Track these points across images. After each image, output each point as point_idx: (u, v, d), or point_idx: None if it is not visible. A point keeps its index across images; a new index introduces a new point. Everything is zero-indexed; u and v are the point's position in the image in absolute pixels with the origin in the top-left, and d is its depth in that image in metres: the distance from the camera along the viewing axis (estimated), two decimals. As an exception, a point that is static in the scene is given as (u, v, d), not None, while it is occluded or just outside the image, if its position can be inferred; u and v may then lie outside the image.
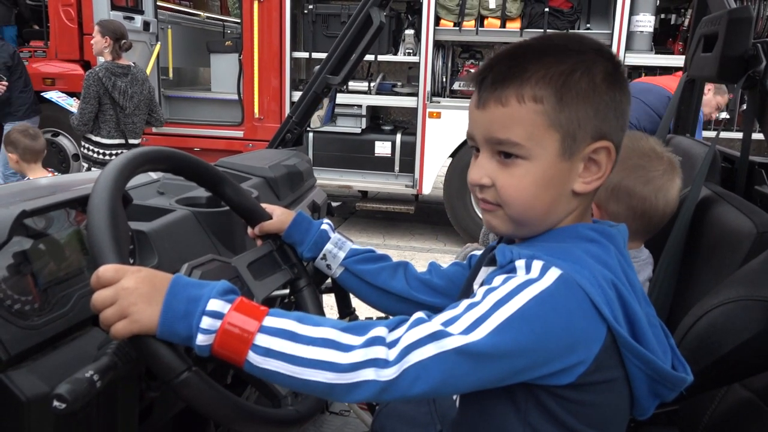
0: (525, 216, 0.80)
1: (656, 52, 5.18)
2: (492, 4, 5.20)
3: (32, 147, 3.41)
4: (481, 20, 5.31)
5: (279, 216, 1.09)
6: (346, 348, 0.70)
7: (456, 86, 5.58)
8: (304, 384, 0.70)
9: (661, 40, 5.38)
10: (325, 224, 1.11)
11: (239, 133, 5.94)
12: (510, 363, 0.70)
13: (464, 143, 5.15)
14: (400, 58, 5.60)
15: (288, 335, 0.71)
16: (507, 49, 0.82)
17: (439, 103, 5.46)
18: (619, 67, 0.81)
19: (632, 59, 5.08)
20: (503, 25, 5.27)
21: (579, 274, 0.73)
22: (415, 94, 5.47)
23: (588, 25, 5.35)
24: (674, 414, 1.04)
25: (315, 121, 2.20)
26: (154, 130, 5.22)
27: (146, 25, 5.94)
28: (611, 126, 0.79)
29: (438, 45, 5.45)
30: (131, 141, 4.14)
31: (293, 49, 5.72)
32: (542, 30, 5.10)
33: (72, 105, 4.75)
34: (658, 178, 1.29)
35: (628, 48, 5.06)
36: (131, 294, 0.70)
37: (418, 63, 5.40)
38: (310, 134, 5.51)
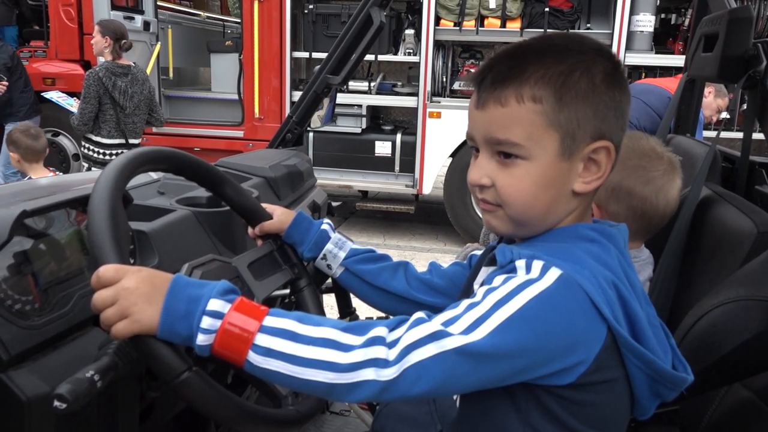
0: (525, 216, 0.80)
1: (656, 52, 5.18)
2: (492, 4, 5.20)
3: (33, 147, 3.43)
4: (481, 20, 5.30)
5: (279, 216, 1.09)
6: (347, 348, 0.70)
7: (456, 86, 5.58)
8: (304, 384, 0.71)
9: (661, 40, 5.38)
10: (326, 224, 1.11)
11: (239, 133, 5.94)
12: (510, 363, 0.70)
13: (464, 143, 5.15)
14: (401, 57, 5.60)
15: (288, 335, 0.71)
16: (506, 49, 0.82)
17: (439, 103, 5.46)
18: (618, 66, 0.81)
19: (632, 59, 5.08)
20: (503, 25, 5.27)
21: (579, 274, 0.73)
22: (416, 94, 5.47)
23: (588, 25, 5.35)
24: (675, 414, 1.03)
25: (315, 121, 2.20)
26: (154, 130, 5.22)
27: (146, 25, 5.94)
28: (611, 126, 0.79)
29: (438, 45, 5.45)
30: (131, 141, 4.14)
31: (293, 48, 5.72)
32: (542, 30, 5.09)
33: (72, 105, 4.75)
34: (659, 178, 1.29)
35: (629, 48, 5.06)
36: (132, 294, 0.70)
37: (419, 63, 5.40)
38: (311, 134, 5.52)
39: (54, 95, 5.05)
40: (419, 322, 0.72)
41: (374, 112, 6.06)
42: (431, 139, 5.40)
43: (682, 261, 1.32)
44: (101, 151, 4.06)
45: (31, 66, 5.93)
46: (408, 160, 5.56)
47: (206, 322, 0.70)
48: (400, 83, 5.86)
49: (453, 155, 5.45)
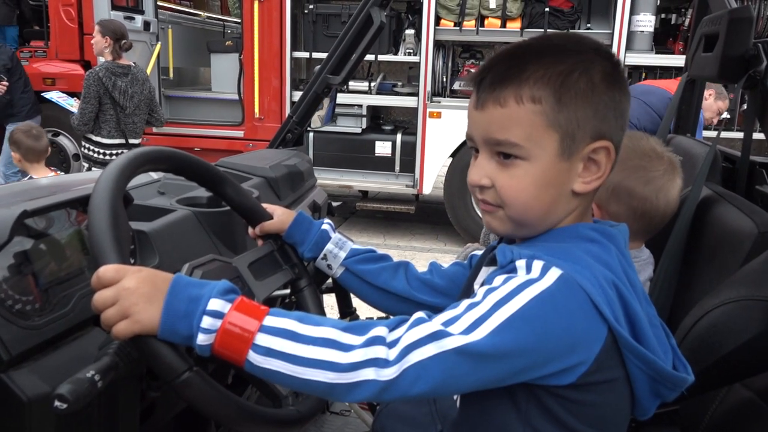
0: (525, 216, 0.80)
1: (657, 52, 5.18)
2: (492, 4, 5.20)
3: (35, 147, 3.45)
4: (481, 20, 5.31)
5: (280, 216, 1.09)
6: (347, 348, 0.70)
7: (456, 86, 5.58)
8: (304, 384, 0.71)
9: (661, 40, 5.38)
10: (326, 224, 1.11)
11: (240, 133, 5.94)
12: (510, 363, 0.70)
13: (465, 143, 5.15)
14: (401, 57, 5.60)
15: (288, 335, 0.71)
16: (505, 49, 0.82)
17: (439, 102, 5.46)
18: (618, 66, 0.81)
19: (633, 59, 5.08)
20: (504, 25, 5.27)
21: (580, 275, 0.73)
22: (416, 94, 5.47)
23: (588, 25, 5.35)
24: (675, 414, 1.03)
25: (315, 121, 2.21)
26: (154, 130, 5.22)
27: (146, 25, 5.94)
28: (610, 126, 0.79)
29: (438, 45, 5.45)
30: (131, 141, 4.14)
31: (294, 48, 5.72)
32: (543, 30, 5.09)
33: (72, 105, 4.75)
34: (659, 178, 1.29)
35: (629, 48, 5.06)
36: (132, 294, 0.70)
37: (419, 63, 5.40)
38: (311, 134, 5.52)
39: (54, 95, 5.05)
40: (419, 322, 0.72)
41: (374, 112, 6.06)
42: (431, 139, 5.40)
43: (683, 261, 1.32)
44: (101, 151, 4.06)
45: (31, 66, 5.94)
46: (408, 160, 5.56)
47: (206, 321, 0.70)
48: (400, 83, 5.86)
49: (453, 155, 5.45)
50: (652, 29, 5.09)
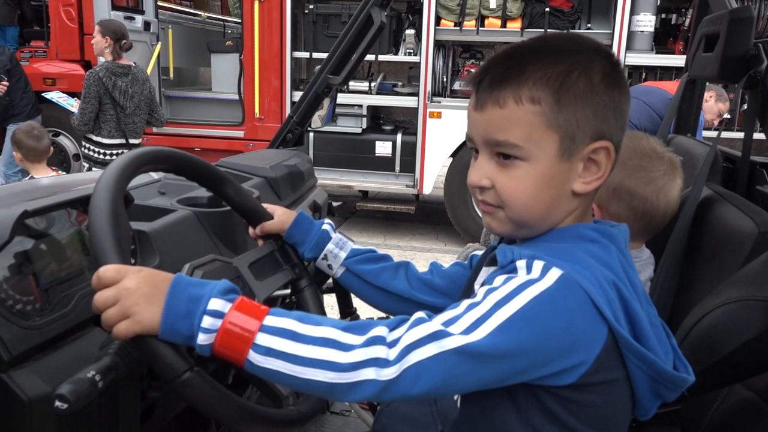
0: (525, 217, 0.80)
1: (657, 52, 5.17)
2: (493, 4, 5.20)
3: (36, 148, 3.47)
4: (481, 20, 5.30)
5: (280, 216, 1.09)
6: (347, 347, 0.70)
7: (457, 86, 5.58)
8: (304, 383, 0.71)
9: (661, 40, 5.37)
10: (326, 224, 1.11)
11: (240, 133, 5.94)
12: (510, 363, 0.70)
13: (465, 143, 5.15)
14: (401, 58, 5.60)
15: (289, 334, 0.71)
16: (504, 50, 0.82)
17: (439, 103, 5.46)
18: (617, 66, 0.81)
19: (633, 59, 5.08)
20: (504, 25, 5.27)
21: (580, 275, 0.73)
22: (416, 94, 5.47)
23: (589, 25, 5.35)
24: (676, 414, 1.03)
25: (316, 121, 2.21)
26: (154, 130, 5.22)
27: (147, 25, 5.94)
28: (610, 126, 0.79)
29: (439, 45, 5.45)
30: (132, 141, 4.14)
31: (294, 49, 5.72)
32: (543, 30, 5.09)
33: (73, 105, 4.75)
34: (659, 178, 1.29)
35: (629, 48, 5.05)
36: (133, 294, 0.70)
37: (419, 63, 5.40)
38: (311, 134, 5.52)
39: (55, 95, 5.06)
40: (419, 321, 0.72)
41: (375, 112, 6.06)
42: (432, 139, 5.40)
43: (683, 261, 1.32)
44: (102, 151, 4.07)
45: (31, 66, 5.94)
46: (408, 160, 5.56)
47: (207, 321, 0.70)
48: (400, 83, 5.86)
49: (453, 155, 5.45)
50: (652, 29, 5.08)
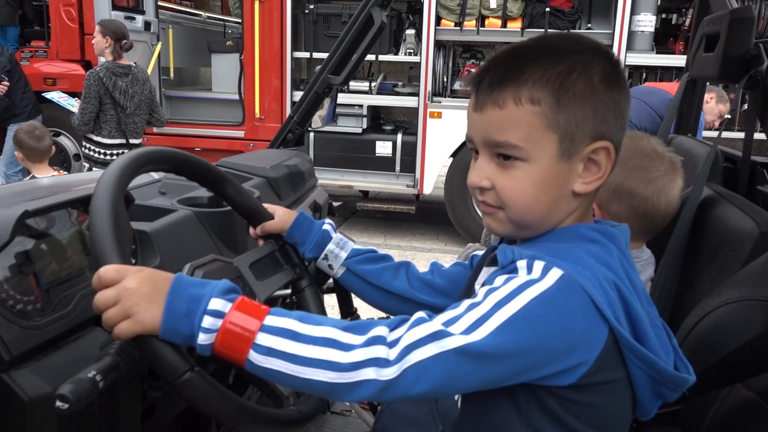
0: (525, 218, 0.80)
1: (657, 52, 5.17)
2: (493, 4, 5.20)
3: (37, 148, 3.48)
4: (482, 20, 5.30)
5: (281, 216, 1.09)
6: (347, 347, 0.70)
7: (457, 86, 5.58)
8: (305, 383, 0.71)
9: (662, 40, 5.37)
10: (327, 224, 1.11)
11: (240, 133, 5.94)
12: (511, 363, 0.70)
13: (465, 143, 5.15)
14: (401, 58, 5.60)
15: (289, 334, 0.71)
16: (504, 50, 0.82)
17: (440, 103, 5.46)
18: (617, 66, 0.80)
19: (633, 59, 5.08)
20: (504, 25, 5.26)
21: (580, 275, 0.73)
22: (416, 94, 5.47)
23: (589, 25, 5.35)
24: (676, 414, 1.03)
25: (316, 121, 2.21)
26: (155, 130, 5.22)
27: (147, 25, 5.94)
28: (610, 126, 0.79)
29: (439, 45, 5.45)
30: (132, 141, 4.14)
31: (294, 49, 5.72)
32: (543, 30, 5.09)
33: (73, 105, 4.75)
34: (660, 178, 1.29)
35: (629, 48, 5.05)
36: (133, 294, 0.70)
37: (419, 63, 5.40)
38: (311, 134, 5.52)
39: (55, 95, 5.06)
40: (420, 321, 0.72)
41: (375, 112, 6.06)
42: (432, 139, 5.40)
43: (684, 261, 1.32)
44: (102, 151, 4.07)
45: (32, 66, 5.94)
46: (409, 160, 5.56)
47: (207, 321, 0.70)
48: (400, 83, 5.87)
49: (454, 155, 5.45)
50: (652, 29, 5.08)
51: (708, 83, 2.78)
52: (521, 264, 0.75)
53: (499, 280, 0.75)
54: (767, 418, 0.97)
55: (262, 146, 2.72)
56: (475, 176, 0.81)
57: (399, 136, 5.64)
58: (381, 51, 5.42)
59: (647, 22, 5.04)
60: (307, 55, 5.80)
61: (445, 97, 5.57)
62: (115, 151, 4.06)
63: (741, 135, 1.62)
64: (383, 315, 1.25)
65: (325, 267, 1.10)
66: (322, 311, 1.10)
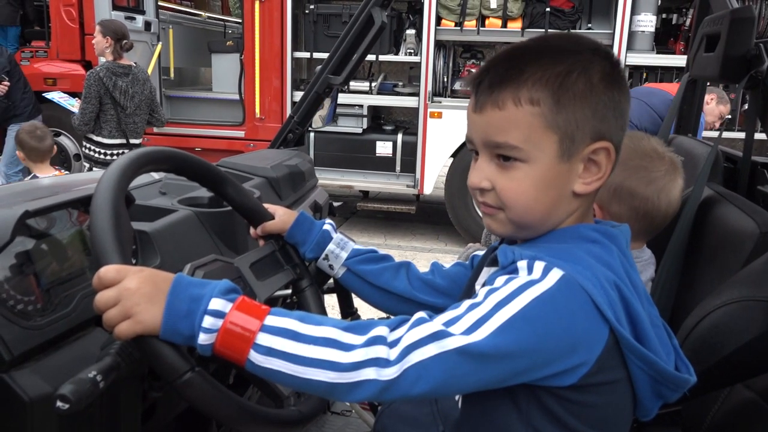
0: (525, 218, 0.80)
1: (658, 52, 5.17)
2: (493, 4, 5.20)
3: (38, 148, 3.50)
4: (482, 20, 5.30)
5: (281, 216, 1.09)
6: (348, 347, 0.70)
7: (457, 86, 5.58)
8: (305, 383, 0.71)
9: (662, 40, 5.37)
10: (328, 224, 1.11)
11: (240, 133, 5.94)
12: (511, 364, 0.70)
13: (466, 143, 5.14)
14: (402, 58, 5.60)
15: (289, 334, 0.71)
16: (503, 51, 0.82)
17: (440, 103, 5.46)
18: (617, 66, 0.80)
19: (633, 59, 5.07)
20: (504, 25, 5.27)
21: (581, 275, 0.73)
22: (417, 94, 5.47)
23: (589, 25, 5.35)
24: (677, 415, 1.03)
25: (317, 121, 2.21)
26: (155, 130, 5.22)
27: (147, 25, 5.94)
28: (610, 126, 0.79)
29: (439, 45, 5.45)
30: (132, 141, 4.15)
31: (294, 49, 5.72)
32: (543, 30, 5.09)
33: (74, 105, 4.76)
34: (660, 178, 1.29)
35: (630, 48, 5.05)
36: (134, 294, 0.70)
37: (420, 63, 5.40)
38: (312, 134, 5.52)
39: (56, 95, 5.06)
40: (420, 321, 0.72)
41: (375, 112, 6.06)
42: (432, 139, 5.40)
43: (684, 261, 1.32)
44: (102, 151, 4.07)
45: (32, 66, 5.94)
46: (409, 160, 5.56)
47: (208, 321, 0.70)
48: (401, 83, 5.86)
49: (454, 155, 5.45)
50: (653, 29, 5.08)
51: (708, 84, 2.78)
52: (522, 264, 0.75)
53: (500, 280, 0.75)
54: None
55: (263, 146, 2.72)
56: (475, 177, 0.81)
57: (399, 136, 5.64)
58: (381, 51, 5.42)
59: (647, 22, 5.04)
60: (307, 55, 5.80)
61: (445, 97, 5.57)
62: (115, 151, 4.06)
63: (741, 135, 1.62)
64: (384, 315, 1.25)
65: (325, 267, 1.10)
66: (323, 311, 1.10)
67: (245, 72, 5.84)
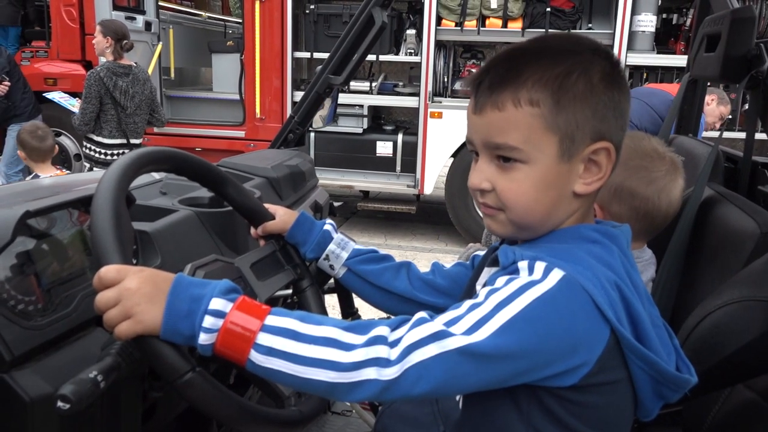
0: (526, 219, 0.80)
1: (658, 52, 5.17)
2: (493, 4, 5.20)
3: (39, 148, 3.51)
4: (482, 20, 5.30)
5: (282, 216, 1.09)
6: (348, 347, 0.70)
7: (457, 86, 5.58)
8: (306, 383, 0.70)
9: (662, 40, 5.37)
10: (328, 224, 1.11)
11: (241, 133, 5.94)
12: (512, 364, 0.70)
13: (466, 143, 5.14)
14: (402, 58, 5.60)
15: (290, 334, 0.71)
16: (503, 52, 0.82)
17: (440, 103, 5.46)
18: (617, 66, 0.80)
19: (634, 59, 5.07)
20: (505, 25, 5.26)
21: (582, 276, 0.73)
22: (417, 94, 5.47)
23: (590, 25, 5.35)
24: (678, 415, 1.03)
25: (317, 121, 2.21)
26: (155, 130, 5.22)
27: (148, 25, 5.95)
28: (610, 126, 0.79)
29: (439, 45, 5.45)
30: (133, 141, 4.15)
31: (295, 49, 5.72)
32: (544, 30, 5.09)
33: (74, 105, 4.76)
34: (661, 178, 1.29)
35: (630, 48, 5.05)
36: (134, 294, 0.70)
37: (420, 63, 5.40)
38: (312, 134, 5.52)
39: (56, 95, 5.07)
40: (421, 321, 0.72)
41: (375, 112, 6.06)
42: (432, 139, 5.40)
43: (685, 261, 1.32)
44: (103, 151, 4.07)
45: (33, 66, 5.94)
46: (409, 160, 5.56)
47: (208, 321, 0.70)
48: (401, 83, 5.86)
49: (454, 155, 5.45)
50: (653, 29, 5.08)
51: (709, 84, 2.78)
52: (522, 265, 0.75)
53: (501, 280, 0.75)
54: (768, 418, 0.97)
55: (263, 146, 2.72)
56: (476, 178, 0.81)
57: (399, 136, 5.64)
58: (382, 51, 5.42)
59: (648, 22, 5.04)
60: (307, 55, 5.80)
61: (445, 97, 5.57)
62: (115, 151, 4.06)
63: (742, 135, 1.62)
64: (384, 315, 1.25)
65: (326, 267, 1.10)
66: (323, 311, 1.10)
67: (245, 72, 5.84)
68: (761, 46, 1.39)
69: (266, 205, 1.11)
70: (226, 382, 1.08)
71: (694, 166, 1.47)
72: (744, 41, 1.43)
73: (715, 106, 4.13)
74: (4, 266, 0.79)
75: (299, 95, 5.34)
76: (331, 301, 1.51)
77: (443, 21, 5.35)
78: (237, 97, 6.07)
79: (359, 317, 1.50)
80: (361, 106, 5.64)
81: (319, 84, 2.04)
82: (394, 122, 6.09)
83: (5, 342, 0.73)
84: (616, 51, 4.85)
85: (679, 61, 4.92)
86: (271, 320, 0.72)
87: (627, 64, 5.00)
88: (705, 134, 3.64)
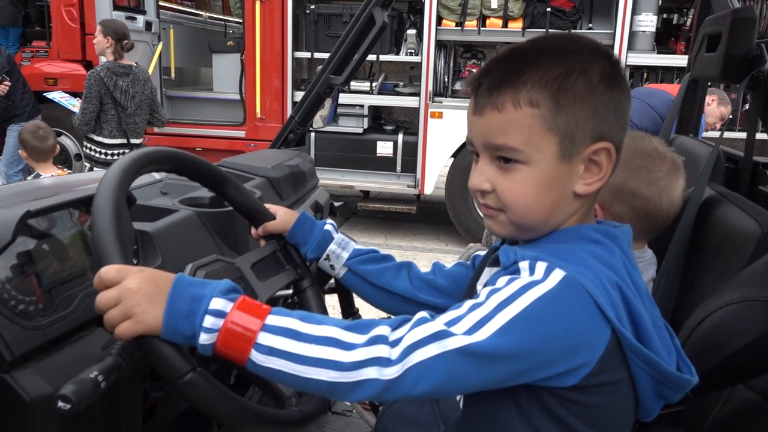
0: (527, 220, 0.80)
1: (658, 52, 5.17)
2: (494, 4, 5.20)
3: (40, 148, 3.52)
4: (483, 20, 5.30)
5: (282, 216, 1.09)
6: (349, 346, 0.70)
7: (458, 86, 5.58)
8: (306, 383, 0.70)
9: (663, 40, 5.37)
10: (329, 224, 1.11)
11: (241, 133, 5.94)
12: (513, 364, 0.70)
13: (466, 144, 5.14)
14: (402, 58, 5.60)
15: (291, 334, 0.71)
16: (503, 53, 0.82)
17: (441, 103, 5.46)
18: (617, 66, 0.80)
19: (634, 59, 5.07)
20: (505, 25, 5.26)
21: (583, 276, 0.72)
22: (417, 94, 5.47)
23: (590, 25, 5.35)
24: (679, 415, 1.03)
25: (317, 121, 2.21)
26: (156, 130, 5.22)
27: (148, 25, 5.95)
28: (611, 126, 0.79)
29: (440, 45, 5.45)
30: (133, 141, 4.15)
31: (295, 49, 5.73)
32: (544, 30, 5.09)
33: (75, 105, 4.76)
34: (662, 178, 1.29)
35: (630, 48, 5.05)
36: (135, 294, 0.70)
37: (420, 63, 5.40)
38: (312, 134, 5.52)
39: (57, 95, 5.07)
40: (422, 321, 0.72)
41: (376, 112, 6.06)
42: (433, 139, 5.40)
43: (686, 261, 1.32)
44: (103, 151, 4.07)
45: (33, 66, 5.94)
46: (409, 160, 5.56)
47: (208, 321, 0.70)
48: (401, 83, 5.86)
49: (455, 155, 5.45)
50: (653, 29, 5.08)
51: (709, 85, 2.78)
52: (523, 265, 0.75)
53: (502, 280, 0.75)
54: (769, 418, 0.97)
55: (263, 146, 2.72)
56: (476, 179, 0.81)
57: (400, 136, 5.64)
58: (382, 51, 5.42)
59: (648, 22, 5.03)
60: (308, 55, 5.80)
61: (446, 97, 5.57)
62: (116, 151, 4.06)
63: (743, 135, 1.61)
64: (385, 315, 1.25)
65: (326, 267, 1.10)
66: (324, 311, 1.10)
67: (246, 72, 5.85)
68: (762, 46, 1.39)
69: (267, 205, 1.11)
70: (226, 382, 1.08)
71: (695, 166, 1.47)
72: (745, 41, 1.43)
73: (715, 106, 4.13)
74: (4, 266, 0.79)
75: (300, 95, 5.34)
76: (332, 301, 1.51)
77: (444, 21, 5.34)
78: (237, 97, 6.07)
79: (360, 317, 1.50)
80: (362, 106, 5.64)
81: (319, 84, 2.04)
82: (394, 122, 6.09)
83: (6, 342, 0.73)
84: (616, 51, 4.85)
85: (680, 61, 4.92)
86: (272, 320, 0.72)
87: (627, 64, 5.00)
88: (705, 134, 3.64)
